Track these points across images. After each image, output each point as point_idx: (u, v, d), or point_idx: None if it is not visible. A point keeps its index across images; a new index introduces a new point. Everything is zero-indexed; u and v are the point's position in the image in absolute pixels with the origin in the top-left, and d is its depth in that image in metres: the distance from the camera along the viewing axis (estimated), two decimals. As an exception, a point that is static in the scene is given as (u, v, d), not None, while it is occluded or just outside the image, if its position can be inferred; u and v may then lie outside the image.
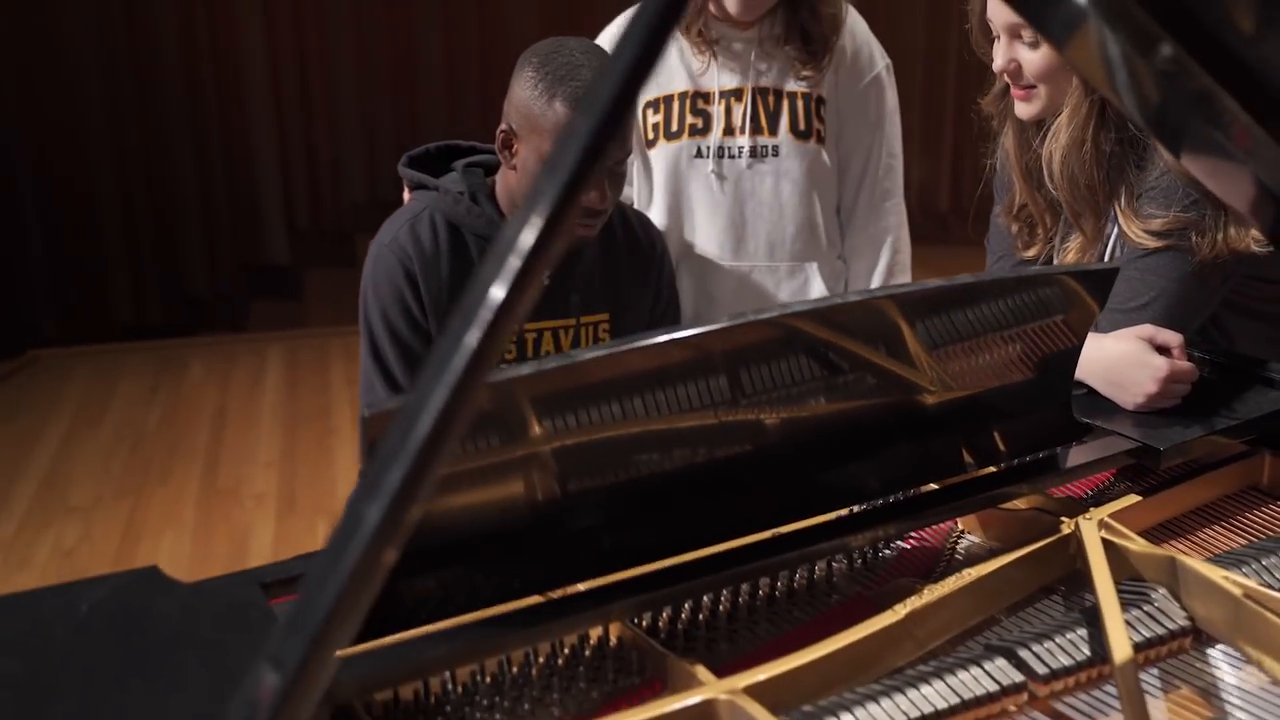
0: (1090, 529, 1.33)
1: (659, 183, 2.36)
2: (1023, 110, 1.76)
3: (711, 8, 2.25)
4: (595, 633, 1.22)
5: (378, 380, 1.94)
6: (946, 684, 1.14)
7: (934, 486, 1.42)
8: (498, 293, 0.64)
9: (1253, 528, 1.46)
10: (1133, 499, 1.42)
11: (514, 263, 0.64)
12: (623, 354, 1.14)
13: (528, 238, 0.64)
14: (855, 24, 2.35)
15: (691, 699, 1.08)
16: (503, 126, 1.89)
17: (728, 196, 2.32)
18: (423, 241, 1.92)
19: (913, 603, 1.21)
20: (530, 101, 1.83)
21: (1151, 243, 1.67)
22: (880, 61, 2.36)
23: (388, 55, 6.25)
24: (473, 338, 0.64)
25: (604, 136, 0.67)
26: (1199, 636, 1.26)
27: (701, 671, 1.12)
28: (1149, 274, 1.69)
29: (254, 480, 4.14)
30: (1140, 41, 1.03)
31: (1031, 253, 1.88)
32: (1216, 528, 1.46)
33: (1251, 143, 1.09)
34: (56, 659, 1.04)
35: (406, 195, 2.04)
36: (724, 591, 1.29)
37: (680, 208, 2.35)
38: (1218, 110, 1.06)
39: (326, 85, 6.22)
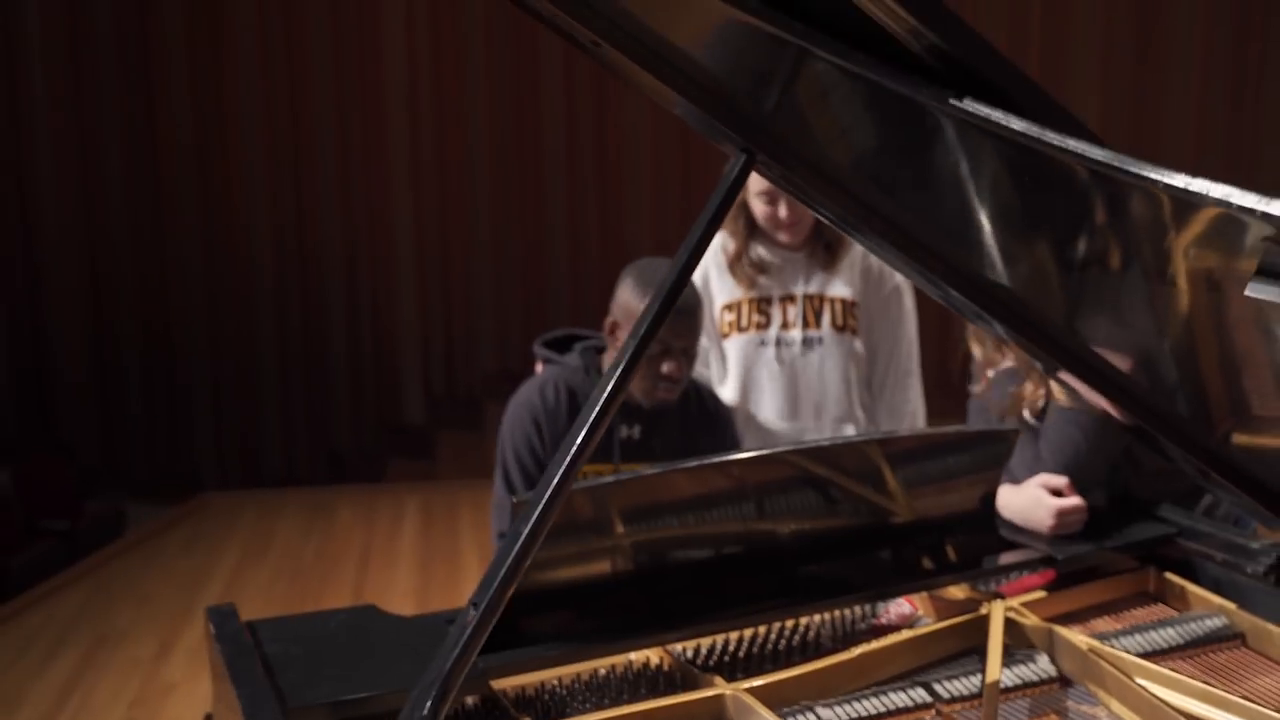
0: (998, 608, 1.92)
1: (731, 366, 3.05)
2: None
3: (784, 238, 2.96)
4: (654, 661, 1.84)
5: (509, 506, 2.61)
6: (879, 700, 1.74)
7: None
8: (582, 426, 1.31)
9: (1134, 621, 2.03)
10: (1040, 594, 2.01)
11: (593, 408, 1.31)
12: (673, 472, 1.81)
13: (601, 393, 1.32)
14: None
15: (707, 693, 1.70)
16: (610, 318, 2.59)
17: (784, 376, 3.00)
18: (548, 401, 2.60)
19: (863, 647, 1.82)
20: (629, 299, 2.53)
21: (1066, 403, 2.29)
22: (898, 275, 3.04)
23: (519, 246, 7.11)
24: (570, 449, 1.31)
25: (653, 328, 1.35)
26: (1067, 683, 1.83)
27: (717, 679, 1.74)
28: (1067, 426, 2.30)
29: (393, 609, 4.81)
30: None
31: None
32: (1107, 618, 2.04)
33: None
34: (322, 646, 1.71)
35: (539, 368, 2.74)
36: (743, 643, 1.91)
37: (748, 385, 3.04)
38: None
39: (464, 271, 7.10)
